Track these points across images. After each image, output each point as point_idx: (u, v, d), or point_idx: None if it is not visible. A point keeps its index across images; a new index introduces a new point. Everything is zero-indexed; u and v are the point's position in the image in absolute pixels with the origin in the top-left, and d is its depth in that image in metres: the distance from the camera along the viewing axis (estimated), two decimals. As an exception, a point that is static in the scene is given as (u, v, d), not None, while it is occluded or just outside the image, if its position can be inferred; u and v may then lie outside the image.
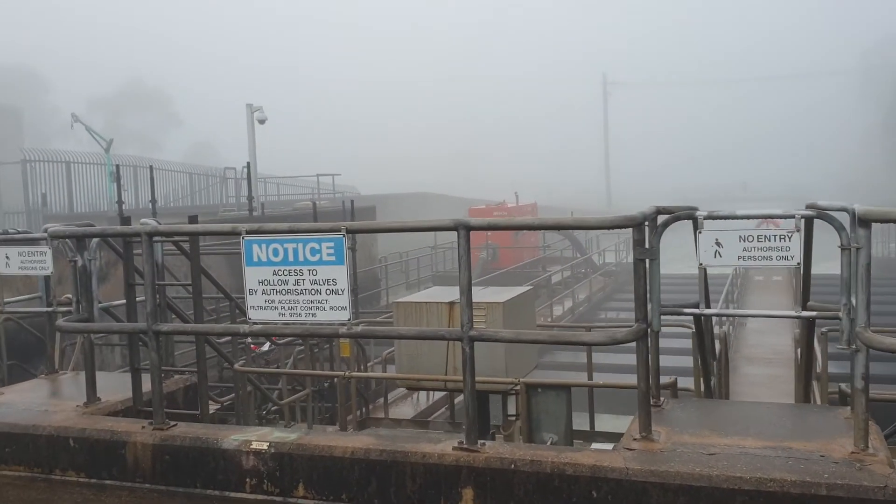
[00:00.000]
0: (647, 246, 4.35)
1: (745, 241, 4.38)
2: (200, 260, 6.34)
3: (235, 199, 25.74)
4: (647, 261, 4.39)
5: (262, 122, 18.66)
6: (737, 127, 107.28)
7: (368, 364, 10.72)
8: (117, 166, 18.55)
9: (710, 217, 4.48)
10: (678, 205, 5.09)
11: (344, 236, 4.61)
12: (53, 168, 28.05)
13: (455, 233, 4.39)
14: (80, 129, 29.51)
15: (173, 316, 7.04)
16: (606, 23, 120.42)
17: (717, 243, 4.45)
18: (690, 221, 4.81)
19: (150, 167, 17.59)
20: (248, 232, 4.82)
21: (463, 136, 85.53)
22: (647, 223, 4.40)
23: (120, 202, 13.38)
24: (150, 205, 15.99)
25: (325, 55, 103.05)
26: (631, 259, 22.52)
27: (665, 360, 5.15)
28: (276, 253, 4.77)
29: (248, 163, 17.10)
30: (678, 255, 12.12)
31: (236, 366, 7.28)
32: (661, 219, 4.80)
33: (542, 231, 25.42)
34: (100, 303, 5.95)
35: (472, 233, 4.50)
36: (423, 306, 7.05)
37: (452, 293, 7.69)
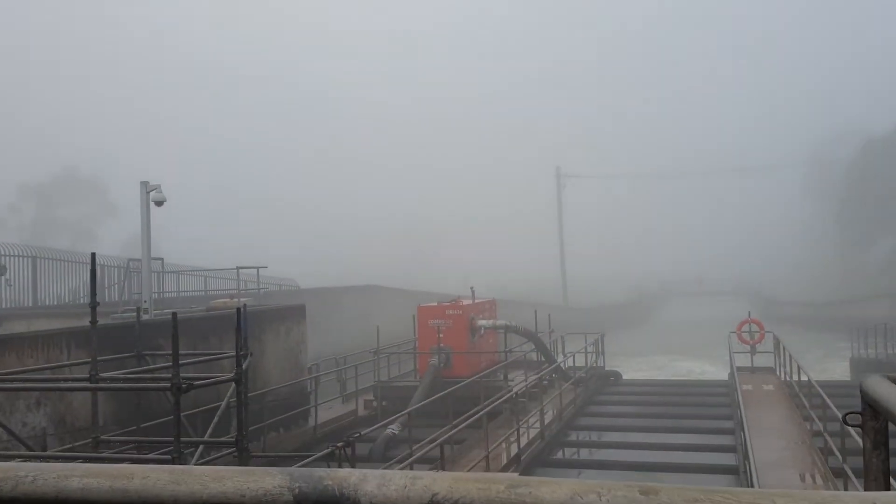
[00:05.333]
0: None
1: None
2: None
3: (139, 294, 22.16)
4: None
5: (158, 203, 15.30)
6: (689, 220, 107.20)
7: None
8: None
9: None
10: None
11: None
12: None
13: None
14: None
15: None
16: (560, 116, 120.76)
17: None
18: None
19: (33, 257, 14.10)
20: None
21: (414, 226, 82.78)
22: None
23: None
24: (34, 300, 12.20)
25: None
26: (602, 363, 18.44)
27: None
28: None
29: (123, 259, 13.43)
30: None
31: None
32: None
33: (504, 333, 22.20)
34: None
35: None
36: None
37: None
